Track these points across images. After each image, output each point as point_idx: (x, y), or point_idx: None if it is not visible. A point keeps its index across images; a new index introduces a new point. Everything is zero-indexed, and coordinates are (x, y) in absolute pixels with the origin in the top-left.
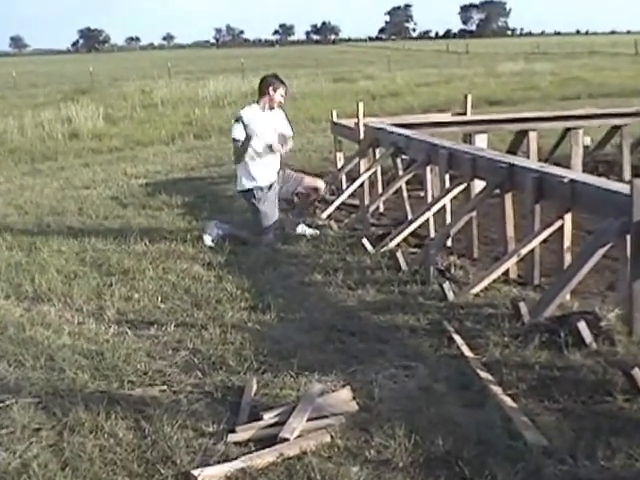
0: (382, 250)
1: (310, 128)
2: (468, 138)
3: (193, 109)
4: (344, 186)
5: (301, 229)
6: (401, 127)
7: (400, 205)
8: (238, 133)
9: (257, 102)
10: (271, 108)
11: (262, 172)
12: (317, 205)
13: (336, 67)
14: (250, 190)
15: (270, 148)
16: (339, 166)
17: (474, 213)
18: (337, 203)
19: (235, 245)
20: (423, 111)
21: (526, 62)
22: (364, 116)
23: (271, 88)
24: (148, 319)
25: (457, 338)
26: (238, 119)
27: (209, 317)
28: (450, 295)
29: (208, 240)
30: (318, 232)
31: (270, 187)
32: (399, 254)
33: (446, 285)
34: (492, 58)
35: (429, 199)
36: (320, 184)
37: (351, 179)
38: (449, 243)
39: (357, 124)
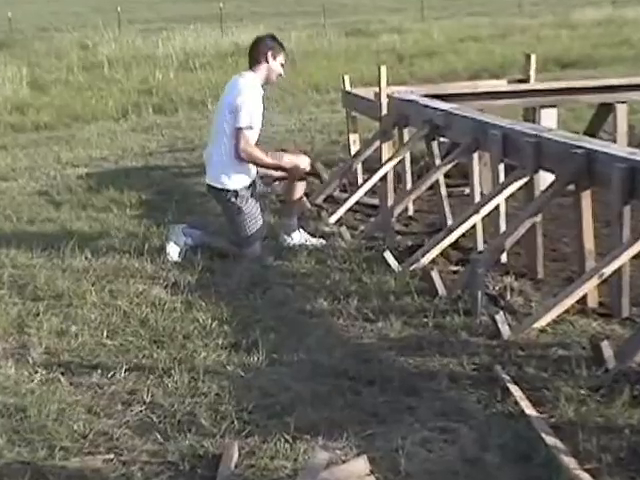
0: (412, 268)
1: (313, 100)
2: (531, 114)
3: (152, 72)
4: (360, 180)
5: (299, 238)
6: (439, 99)
7: (437, 206)
8: (249, 119)
9: (253, 71)
10: (270, 82)
11: (248, 168)
12: (308, 201)
13: (349, 16)
14: (231, 191)
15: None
16: (353, 152)
17: (538, 217)
18: (350, 203)
19: (210, 259)
20: (470, 77)
21: (614, 7)
22: (388, 84)
23: (270, 54)
24: (89, 361)
25: (514, 390)
26: (246, 100)
27: (174, 359)
28: (505, 330)
29: (173, 252)
30: (324, 242)
31: (253, 184)
32: (435, 274)
33: (499, 317)
34: (566, 1)
35: (477, 198)
36: (302, 161)
37: (369, 170)
38: (504, 259)
39: (378, 95)
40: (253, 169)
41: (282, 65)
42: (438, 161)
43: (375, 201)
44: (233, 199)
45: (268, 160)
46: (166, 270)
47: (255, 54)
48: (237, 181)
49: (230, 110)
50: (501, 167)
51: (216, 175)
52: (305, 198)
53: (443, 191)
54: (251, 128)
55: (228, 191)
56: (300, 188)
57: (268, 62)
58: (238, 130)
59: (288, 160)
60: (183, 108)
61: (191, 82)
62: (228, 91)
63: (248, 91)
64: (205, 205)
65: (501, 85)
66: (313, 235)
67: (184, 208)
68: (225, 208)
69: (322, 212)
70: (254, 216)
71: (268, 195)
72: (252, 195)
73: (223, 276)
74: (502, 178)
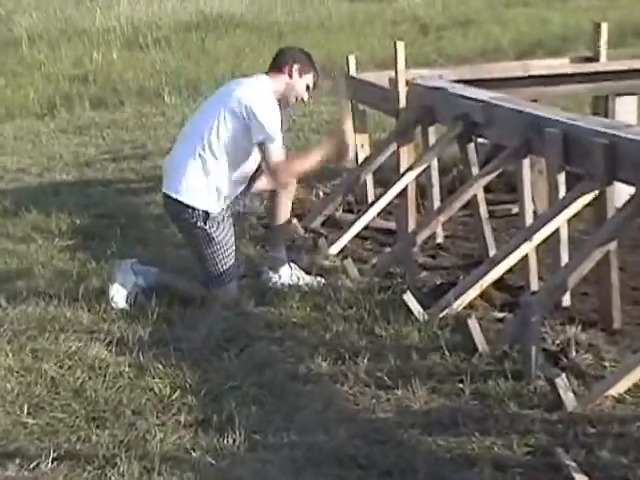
0: (441, 315)
1: None
2: (602, 104)
3: (89, 53)
4: (370, 196)
5: (289, 275)
6: (476, 86)
7: (474, 231)
8: (278, 131)
9: (271, 81)
10: (286, 104)
11: (232, 190)
12: (301, 224)
13: None
14: (200, 211)
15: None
16: (361, 159)
17: (613, 246)
18: (357, 227)
19: (168, 306)
20: (517, 55)
21: None
22: (408, 66)
23: (297, 68)
24: (3, 447)
25: None
26: (273, 110)
27: (119, 442)
28: (569, 400)
29: (119, 297)
30: (322, 281)
31: (227, 208)
32: (473, 323)
33: (561, 381)
34: None
35: (528, 219)
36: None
37: (383, 183)
38: (566, 301)
39: (394, 81)
40: (239, 187)
41: (308, 88)
42: (476, 170)
43: (391, 224)
44: (200, 223)
45: (309, 164)
46: (109, 321)
47: (279, 61)
48: (210, 200)
49: (235, 111)
50: (561, 177)
51: (179, 185)
52: (296, 221)
53: (483, 210)
54: (278, 141)
55: (194, 210)
56: (285, 206)
57: (292, 76)
58: (267, 144)
59: (329, 146)
60: (131, 101)
61: (141, 65)
62: (233, 86)
63: (270, 97)
64: (161, 232)
65: (562, 66)
66: (308, 272)
67: (133, 237)
68: (188, 234)
69: (320, 240)
70: (227, 247)
71: (247, 216)
72: (226, 218)
73: (186, 329)
74: (563, 192)
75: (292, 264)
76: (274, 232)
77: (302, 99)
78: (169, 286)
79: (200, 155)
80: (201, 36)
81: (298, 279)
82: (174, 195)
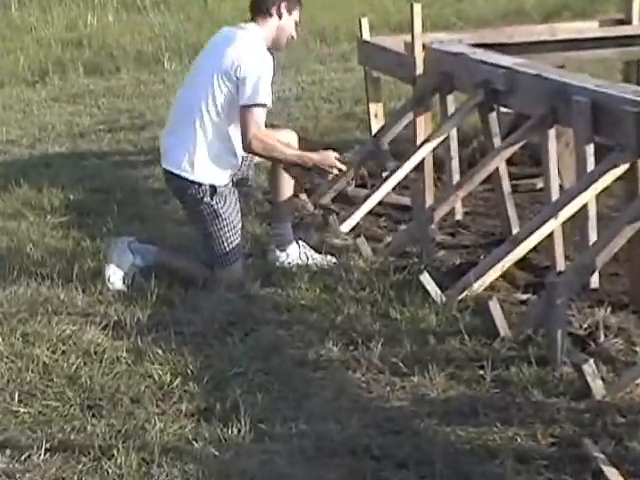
0: (461, 297)
1: (317, 54)
2: (635, 71)
3: (83, 15)
4: (386, 169)
5: (297, 253)
6: (498, 51)
7: (496, 207)
8: (269, 95)
9: (259, 27)
10: (278, 47)
11: (234, 161)
12: (311, 200)
13: None
14: (207, 186)
15: None
16: (375, 130)
17: None
18: (371, 203)
19: (169, 288)
20: (542, 18)
21: None
22: (424, 29)
23: (285, 6)
24: None
25: (612, 474)
26: (264, 67)
27: (117, 432)
28: (597, 387)
29: (116, 278)
30: (333, 261)
31: (232, 182)
32: (494, 305)
33: (589, 367)
34: None
35: (554, 195)
36: (289, 137)
37: (398, 156)
38: (595, 282)
39: (410, 45)
40: (235, 166)
41: (296, 24)
42: (498, 141)
43: (407, 200)
44: (207, 198)
45: (290, 153)
46: (105, 303)
47: (262, 2)
48: (215, 173)
49: (228, 73)
50: (590, 149)
51: (182, 159)
52: (305, 196)
53: (505, 185)
54: (266, 107)
55: (200, 185)
56: (287, 179)
57: (281, 16)
58: (248, 108)
59: (318, 157)
60: (128, 67)
61: (139, 29)
62: (223, 44)
63: (262, 51)
64: (161, 208)
65: (590, 29)
66: (318, 250)
67: (130, 213)
68: (193, 211)
69: (330, 217)
70: (234, 224)
71: (252, 191)
72: (232, 192)
73: (188, 311)
74: (591, 166)
75: (301, 242)
76: (277, 207)
77: (292, 37)
78: (169, 266)
79: (200, 125)
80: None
81: (307, 258)
82: (176, 171)
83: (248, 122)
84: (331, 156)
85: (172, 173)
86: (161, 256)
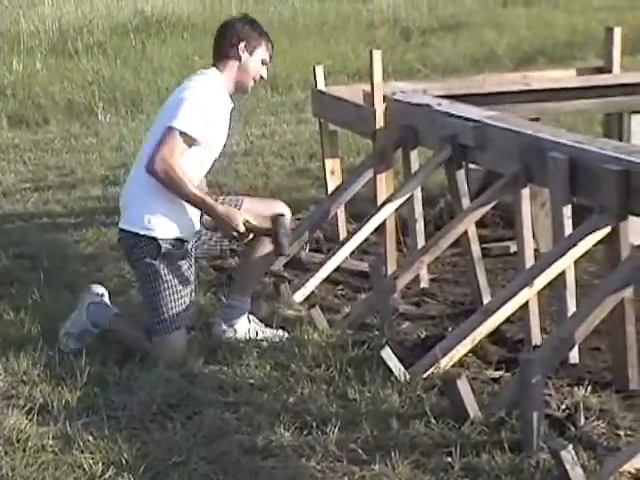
0: (426, 375)
1: (268, 104)
2: (616, 124)
3: (7, 61)
4: (342, 232)
5: (244, 329)
6: (466, 101)
7: (465, 273)
8: (195, 125)
9: (218, 71)
10: (243, 90)
11: (187, 215)
12: (275, 272)
13: None
14: (155, 240)
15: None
16: (331, 188)
17: (628, 292)
18: (327, 270)
19: (102, 364)
20: (516, 65)
21: None
22: (386, 78)
23: (243, 46)
24: None
25: None
26: (198, 95)
27: None
28: (578, 476)
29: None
30: (284, 335)
31: (185, 243)
32: (463, 384)
33: (568, 454)
34: None
35: (528, 259)
36: (280, 211)
37: (357, 217)
38: (574, 358)
39: (370, 96)
40: (191, 222)
41: (264, 63)
42: (467, 201)
43: (367, 266)
44: (149, 257)
45: (190, 189)
46: (30, 384)
47: (221, 46)
48: (165, 227)
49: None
50: (567, 211)
51: (133, 214)
52: None
53: (475, 249)
54: (192, 140)
55: (146, 239)
56: (267, 254)
57: (240, 58)
58: (168, 129)
59: (251, 209)
60: (57, 118)
61: (70, 76)
62: (175, 92)
63: (205, 88)
64: (93, 276)
65: (567, 78)
66: (268, 324)
67: (59, 282)
68: (137, 269)
69: (282, 285)
70: (177, 289)
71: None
72: (184, 257)
73: (122, 393)
74: (569, 229)
75: (251, 316)
76: (248, 277)
77: (262, 77)
78: (119, 334)
79: (152, 184)
80: (141, 41)
81: (257, 334)
82: (126, 226)
83: (163, 141)
84: (237, 216)
85: (122, 230)
86: (116, 323)
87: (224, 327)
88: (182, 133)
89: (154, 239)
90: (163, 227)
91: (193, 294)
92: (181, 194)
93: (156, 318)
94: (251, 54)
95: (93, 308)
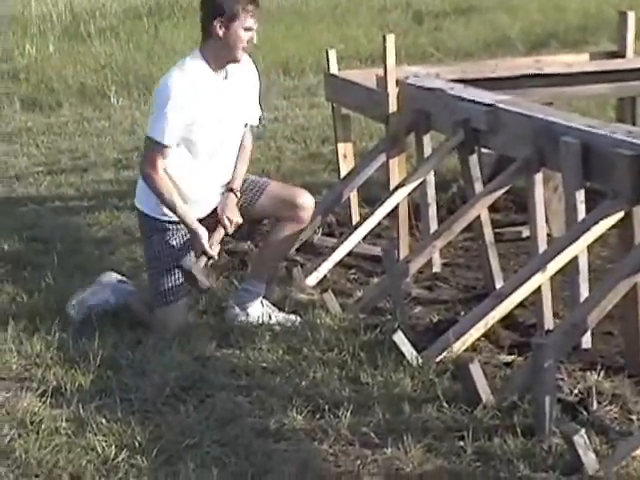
0: (439, 359)
1: (280, 88)
2: (629, 108)
3: (21, 44)
4: (354, 216)
5: (257, 313)
6: (480, 86)
7: (478, 258)
8: (167, 132)
9: (200, 51)
10: (233, 61)
11: (189, 195)
12: (295, 257)
13: None
14: (148, 216)
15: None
16: (344, 173)
17: None
18: (339, 254)
19: (115, 347)
20: (530, 49)
21: None
22: (399, 62)
23: (218, 21)
24: None
25: None
26: (167, 99)
27: None
28: (590, 461)
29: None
30: (297, 319)
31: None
32: (476, 368)
33: (580, 438)
34: None
35: (541, 245)
36: (305, 200)
37: (370, 202)
38: (586, 343)
39: (383, 80)
40: (196, 193)
41: (248, 29)
42: (479, 186)
43: (379, 250)
44: (146, 232)
45: (167, 199)
46: (43, 367)
47: (201, 22)
48: (153, 204)
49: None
50: (580, 195)
51: (138, 192)
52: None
53: (488, 234)
54: (163, 146)
55: (143, 215)
56: (293, 237)
57: (218, 36)
58: (145, 139)
59: (277, 193)
60: (71, 102)
61: (83, 60)
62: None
63: (175, 85)
64: (106, 259)
65: (581, 62)
66: (281, 308)
67: (72, 265)
68: (143, 241)
69: (295, 269)
70: (166, 265)
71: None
72: (185, 234)
73: (135, 376)
74: (582, 213)
75: (264, 300)
76: (264, 262)
77: (249, 42)
78: (134, 310)
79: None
80: (154, 24)
81: (269, 316)
82: (135, 203)
83: (144, 152)
84: (203, 240)
85: (135, 206)
86: (132, 298)
87: (237, 310)
88: (157, 142)
89: (147, 215)
90: (150, 203)
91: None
92: (161, 201)
93: (153, 291)
94: (228, 28)
95: (118, 285)
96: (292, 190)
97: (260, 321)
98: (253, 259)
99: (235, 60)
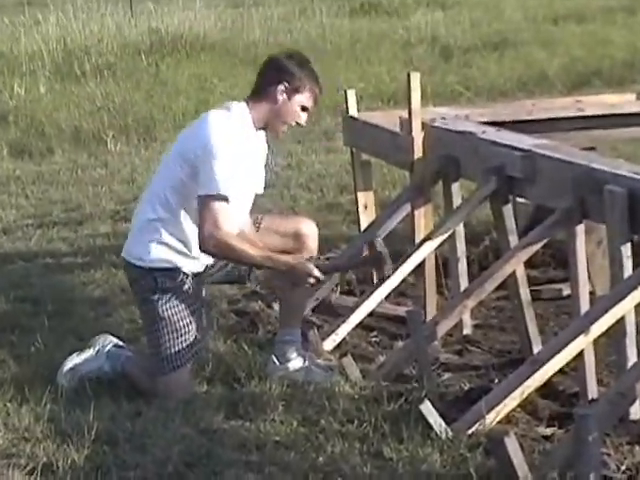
0: (470, 432)
1: (295, 132)
2: None
3: (8, 84)
4: (375, 274)
5: (297, 366)
6: (514, 129)
7: (513, 319)
8: (228, 182)
9: (248, 106)
10: (273, 132)
11: (185, 251)
12: (311, 318)
13: None
14: (150, 272)
15: None
16: (364, 225)
17: None
18: (360, 315)
19: (112, 419)
20: (568, 88)
21: None
22: (425, 102)
23: (282, 89)
24: None
25: None
26: (219, 147)
27: None
28: None
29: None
30: (331, 373)
31: (186, 276)
32: (512, 442)
33: None
34: None
35: (583, 303)
36: (310, 227)
37: (393, 256)
38: (635, 413)
39: (407, 122)
40: (192, 247)
41: (304, 109)
42: (514, 239)
43: (404, 311)
44: (147, 288)
45: (255, 255)
46: (32, 441)
47: (259, 81)
48: (158, 255)
49: (183, 157)
50: (627, 249)
51: (132, 244)
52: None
53: (524, 292)
54: (225, 199)
55: (141, 270)
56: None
57: (276, 101)
58: (202, 200)
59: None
60: (63, 147)
61: (77, 101)
62: (194, 123)
63: (222, 134)
64: (102, 322)
65: (626, 102)
66: (316, 363)
67: (64, 328)
68: (139, 306)
69: (311, 331)
70: (178, 327)
71: (214, 300)
72: (187, 292)
73: (135, 451)
74: (629, 269)
75: (297, 344)
76: (292, 307)
77: (298, 124)
78: (132, 376)
79: (158, 215)
80: (154, 62)
81: (306, 368)
82: (126, 257)
83: (202, 217)
84: (308, 263)
85: (123, 259)
86: (129, 364)
87: (277, 363)
88: (217, 198)
89: (150, 271)
90: (159, 258)
91: (200, 331)
92: (244, 263)
93: (157, 357)
94: (289, 98)
95: (114, 351)
96: (291, 220)
97: (297, 377)
98: (280, 308)
99: (277, 133)
